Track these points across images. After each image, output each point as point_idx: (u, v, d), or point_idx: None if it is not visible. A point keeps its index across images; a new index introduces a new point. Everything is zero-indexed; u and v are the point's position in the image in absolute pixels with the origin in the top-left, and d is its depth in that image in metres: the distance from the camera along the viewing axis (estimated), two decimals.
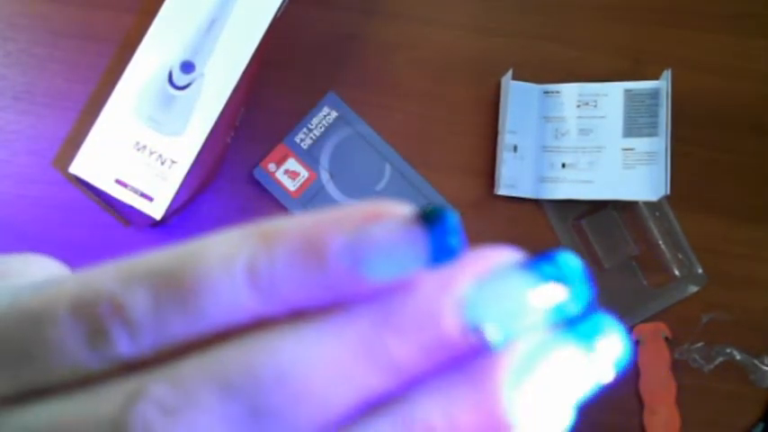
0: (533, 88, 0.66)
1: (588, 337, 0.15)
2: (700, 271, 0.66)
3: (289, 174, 0.63)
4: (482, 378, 0.14)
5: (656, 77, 0.65)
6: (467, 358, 0.14)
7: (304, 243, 0.14)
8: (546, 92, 0.66)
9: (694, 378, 0.65)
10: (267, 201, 0.63)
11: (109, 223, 0.61)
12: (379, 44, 0.66)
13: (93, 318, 0.14)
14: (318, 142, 0.64)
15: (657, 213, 0.66)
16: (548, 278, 0.15)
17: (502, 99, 0.66)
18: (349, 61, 0.66)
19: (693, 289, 0.66)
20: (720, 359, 0.66)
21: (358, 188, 0.64)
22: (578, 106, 0.66)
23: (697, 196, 0.67)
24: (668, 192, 0.62)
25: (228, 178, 0.63)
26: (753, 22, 0.69)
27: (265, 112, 0.64)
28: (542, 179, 0.65)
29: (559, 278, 0.15)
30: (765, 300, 0.67)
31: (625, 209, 0.66)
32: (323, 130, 0.64)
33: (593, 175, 0.65)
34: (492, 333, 0.14)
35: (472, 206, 0.65)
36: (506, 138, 0.64)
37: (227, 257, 0.15)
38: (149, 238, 0.62)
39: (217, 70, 0.55)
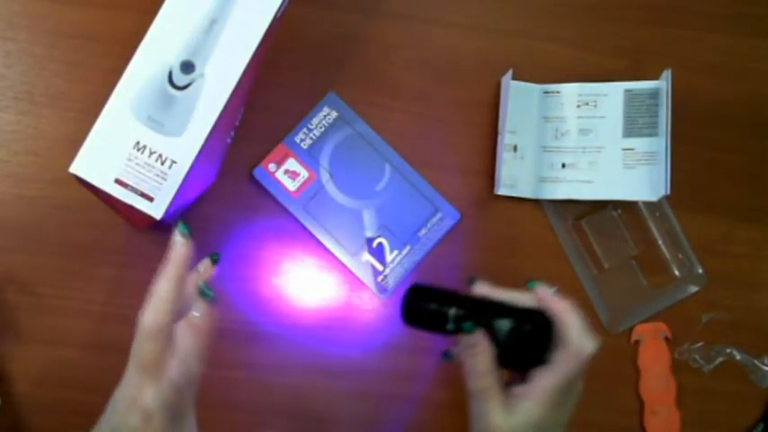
0: (533, 88, 0.66)
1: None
2: (700, 271, 0.66)
3: (289, 174, 0.63)
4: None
5: (656, 77, 0.65)
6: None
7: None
8: (546, 92, 0.66)
9: (694, 378, 0.66)
10: (267, 200, 0.63)
11: (109, 223, 0.61)
12: (379, 44, 0.66)
13: None
14: (318, 142, 0.64)
15: (657, 213, 0.66)
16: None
17: (502, 99, 0.66)
18: (349, 61, 0.66)
19: (693, 289, 0.66)
20: (720, 359, 0.66)
21: (358, 188, 0.64)
22: (578, 106, 0.66)
23: (697, 196, 0.67)
24: (668, 192, 0.62)
25: (228, 178, 0.63)
26: (753, 22, 0.69)
27: (265, 112, 0.64)
28: (542, 179, 0.65)
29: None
30: (765, 300, 0.67)
31: (625, 209, 0.66)
32: (323, 130, 0.64)
33: (593, 175, 0.65)
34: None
35: (472, 206, 0.65)
36: (506, 138, 0.64)
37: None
38: (149, 238, 0.62)
39: (217, 70, 0.55)
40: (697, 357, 0.66)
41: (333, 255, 0.63)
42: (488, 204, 0.65)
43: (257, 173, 0.63)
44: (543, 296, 0.49)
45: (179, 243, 0.48)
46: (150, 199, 0.54)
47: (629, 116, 0.65)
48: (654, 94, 0.64)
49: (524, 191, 0.65)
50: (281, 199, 0.63)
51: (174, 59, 0.55)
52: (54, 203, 0.61)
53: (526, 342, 0.49)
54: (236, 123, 0.62)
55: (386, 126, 0.65)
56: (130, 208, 0.54)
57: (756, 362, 0.66)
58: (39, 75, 0.62)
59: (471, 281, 0.53)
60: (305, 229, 0.63)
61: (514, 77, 0.65)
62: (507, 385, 0.51)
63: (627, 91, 0.65)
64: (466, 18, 0.67)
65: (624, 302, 0.65)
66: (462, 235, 0.65)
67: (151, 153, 0.54)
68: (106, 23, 0.63)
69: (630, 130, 0.65)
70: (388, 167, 0.65)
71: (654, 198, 0.63)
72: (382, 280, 0.64)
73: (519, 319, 0.50)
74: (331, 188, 0.64)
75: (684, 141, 0.66)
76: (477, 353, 0.50)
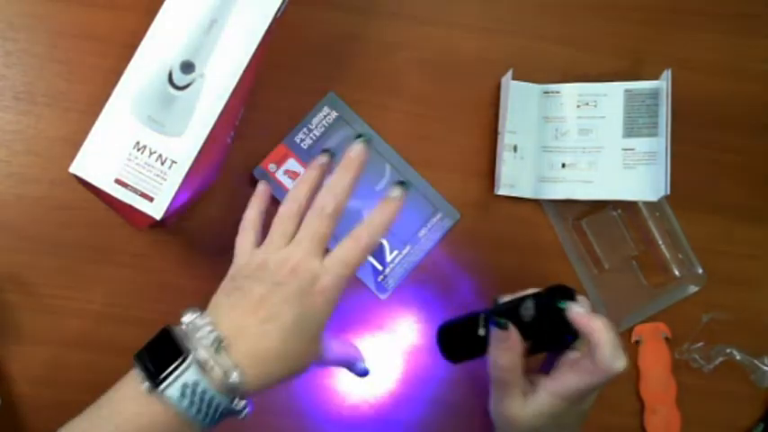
0: (533, 88, 0.66)
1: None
2: (700, 271, 0.66)
3: (289, 174, 0.63)
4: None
5: (656, 77, 0.65)
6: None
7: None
8: (546, 92, 0.66)
9: (694, 378, 0.66)
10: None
11: (109, 223, 0.61)
12: (379, 44, 0.66)
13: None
14: (319, 142, 0.64)
15: (657, 213, 0.66)
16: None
17: (502, 99, 0.66)
18: (349, 61, 0.66)
19: (693, 289, 0.66)
20: (720, 359, 0.66)
21: (358, 188, 0.64)
22: (578, 106, 0.66)
23: (697, 196, 0.67)
24: (668, 192, 0.62)
25: (228, 178, 0.63)
26: (753, 22, 0.69)
27: (265, 112, 0.64)
28: (542, 179, 0.65)
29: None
30: (765, 300, 0.67)
31: (625, 209, 0.66)
32: (323, 130, 0.64)
33: (593, 175, 0.65)
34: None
35: (472, 206, 0.65)
36: (506, 138, 0.64)
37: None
38: (149, 238, 0.62)
39: (217, 70, 0.55)
40: (697, 357, 0.66)
41: None
42: (488, 204, 0.65)
43: (257, 173, 0.63)
44: (576, 318, 0.50)
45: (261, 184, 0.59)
46: (150, 199, 0.54)
47: (629, 116, 0.65)
48: (654, 94, 0.64)
49: (524, 191, 0.65)
50: (281, 199, 0.63)
51: (174, 59, 0.55)
52: (54, 203, 0.61)
53: (551, 314, 0.51)
54: (236, 123, 0.62)
55: (386, 126, 0.65)
56: (130, 208, 0.54)
57: (756, 362, 0.66)
58: (39, 75, 0.62)
59: (495, 300, 0.56)
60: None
61: (514, 77, 0.65)
62: (528, 373, 0.53)
63: (627, 91, 0.65)
64: (466, 18, 0.67)
65: (624, 302, 0.65)
66: (462, 235, 0.65)
67: (151, 153, 0.54)
68: (106, 23, 0.63)
69: (630, 130, 0.65)
70: (388, 167, 0.65)
71: (654, 198, 0.63)
72: (382, 280, 0.64)
73: (540, 296, 0.52)
74: None
75: (684, 141, 0.66)
76: (508, 348, 0.51)
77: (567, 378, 0.50)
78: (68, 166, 0.53)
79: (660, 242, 0.66)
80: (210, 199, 0.63)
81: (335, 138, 0.64)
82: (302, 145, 0.64)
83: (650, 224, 0.66)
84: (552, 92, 0.66)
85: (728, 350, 0.66)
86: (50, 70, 0.62)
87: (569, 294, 0.51)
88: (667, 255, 0.66)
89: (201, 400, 0.44)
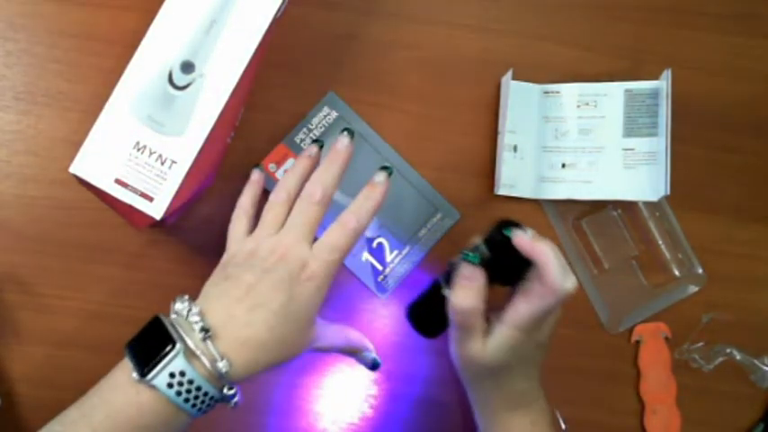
0: (533, 88, 0.66)
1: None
2: (700, 271, 0.66)
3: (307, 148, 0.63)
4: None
5: (656, 77, 0.65)
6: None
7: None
8: (546, 92, 0.66)
9: (694, 378, 0.66)
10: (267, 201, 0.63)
11: (109, 223, 0.61)
12: (379, 44, 0.66)
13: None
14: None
15: (657, 213, 0.66)
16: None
17: (502, 99, 0.66)
18: (349, 61, 0.66)
19: (693, 289, 0.66)
20: (720, 359, 0.66)
21: (358, 188, 0.64)
22: (578, 106, 0.66)
23: (697, 196, 0.67)
24: (668, 192, 0.62)
25: (228, 178, 0.63)
26: (753, 22, 0.69)
27: (265, 112, 0.64)
28: (542, 179, 0.65)
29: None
30: (765, 300, 0.67)
31: (625, 209, 0.66)
32: (323, 129, 0.64)
33: (593, 175, 0.65)
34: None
35: (472, 206, 0.65)
36: (506, 138, 0.64)
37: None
38: (149, 238, 0.62)
39: (217, 70, 0.55)
40: (697, 357, 0.66)
41: None
42: (488, 204, 0.65)
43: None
44: (521, 243, 0.51)
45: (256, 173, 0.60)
46: (150, 199, 0.54)
47: (629, 116, 0.65)
48: (654, 94, 0.64)
49: (524, 191, 0.65)
50: None
51: (174, 59, 0.55)
52: (54, 203, 0.61)
53: (502, 248, 0.52)
54: (236, 123, 0.62)
55: (386, 126, 0.65)
56: (130, 208, 0.54)
57: (756, 362, 0.66)
58: (39, 75, 0.62)
59: (449, 263, 0.56)
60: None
61: (514, 77, 0.65)
62: (486, 313, 0.53)
63: (627, 91, 0.65)
64: (466, 18, 0.67)
65: (624, 302, 0.65)
66: (462, 235, 0.65)
67: (151, 153, 0.54)
68: (106, 23, 0.63)
69: (630, 130, 0.65)
70: None
71: (654, 198, 0.63)
72: (382, 280, 0.64)
73: (487, 234, 0.53)
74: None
75: (684, 141, 0.66)
76: (472, 288, 0.52)
77: (520, 307, 0.51)
78: (68, 166, 0.53)
79: (660, 242, 0.66)
80: (210, 199, 0.63)
81: (335, 137, 0.64)
82: (302, 145, 0.64)
83: (650, 224, 0.66)
84: (552, 92, 0.66)
85: (728, 350, 0.66)
86: (50, 70, 0.63)
87: (514, 224, 0.52)
88: (667, 255, 0.66)
89: (189, 389, 0.45)
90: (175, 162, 0.54)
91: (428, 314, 0.57)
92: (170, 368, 0.44)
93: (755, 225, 0.67)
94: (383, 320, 0.64)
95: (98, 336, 0.61)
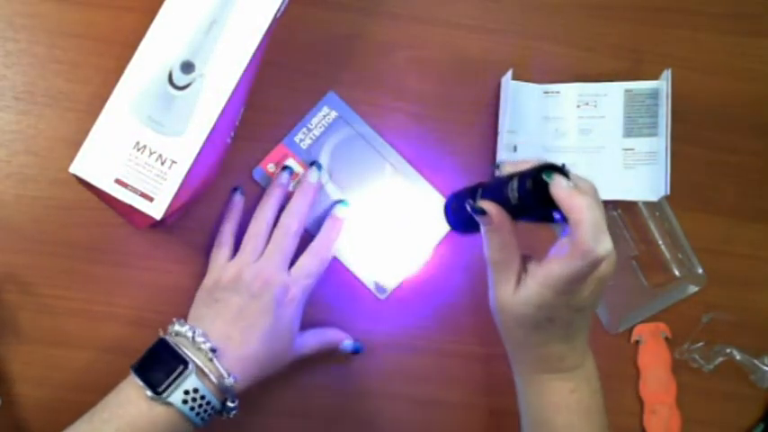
0: (533, 88, 0.66)
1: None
2: (700, 271, 0.66)
3: (276, 173, 0.63)
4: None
5: (656, 77, 0.65)
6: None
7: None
8: (546, 92, 0.66)
9: (694, 378, 0.66)
10: (260, 200, 0.63)
11: (109, 223, 0.61)
12: (380, 44, 0.66)
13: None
14: (318, 142, 0.64)
15: (657, 213, 0.66)
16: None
17: (502, 99, 0.66)
18: (349, 61, 0.66)
19: (693, 289, 0.66)
20: (720, 359, 0.66)
21: (356, 186, 0.64)
22: (578, 106, 0.66)
23: (697, 196, 0.67)
24: (668, 192, 0.62)
25: (228, 178, 0.63)
26: (753, 22, 0.69)
27: (265, 112, 0.64)
28: None
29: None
30: (765, 300, 0.67)
31: (625, 209, 0.66)
32: (322, 130, 0.64)
33: (593, 175, 0.65)
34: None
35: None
36: (506, 138, 0.64)
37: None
38: (149, 238, 0.62)
39: (217, 70, 0.55)
40: (697, 357, 0.66)
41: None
42: None
43: (256, 173, 0.63)
44: (557, 193, 0.46)
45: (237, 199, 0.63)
46: (150, 199, 0.54)
47: (629, 116, 0.65)
48: (654, 94, 0.64)
49: None
50: None
51: (174, 59, 0.55)
52: (54, 203, 0.61)
53: (537, 191, 0.46)
54: (236, 123, 0.62)
55: (386, 126, 0.65)
56: (130, 208, 0.54)
57: (756, 362, 0.66)
58: (39, 75, 0.62)
59: (496, 166, 0.52)
60: (304, 229, 0.63)
61: (514, 77, 0.65)
62: (526, 259, 0.50)
63: (627, 91, 0.65)
64: (466, 18, 0.67)
65: (624, 302, 0.65)
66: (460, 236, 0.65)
67: (151, 153, 0.54)
68: (106, 23, 0.63)
69: (630, 130, 0.65)
70: (387, 167, 0.65)
71: (654, 198, 0.63)
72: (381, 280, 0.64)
73: (527, 173, 0.48)
74: (330, 188, 0.64)
75: (684, 141, 0.66)
76: (494, 230, 0.49)
77: (551, 265, 0.47)
78: (68, 166, 0.53)
79: (660, 242, 0.66)
80: (210, 199, 0.63)
81: (335, 138, 0.64)
82: (301, 145, 0.64)
83: (650, 224, 0.66)
84: (552, 92, 0.66)
85: (728, 350, 0.66)
86: (50, 70, 0.62)
87: (558, 169, 0.47)
88: (667, 255, 0.66)
89: (201, 403, 0.50)
90: (175, 162, 0.54)
91: (458, 214, 0.54)
92: (184, 386, 0.50)
93: (755, 225, 0.67)
94: (382, 320, 0.64)
95: (98, 336, 0.61)
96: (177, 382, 0.50)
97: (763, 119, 0.68)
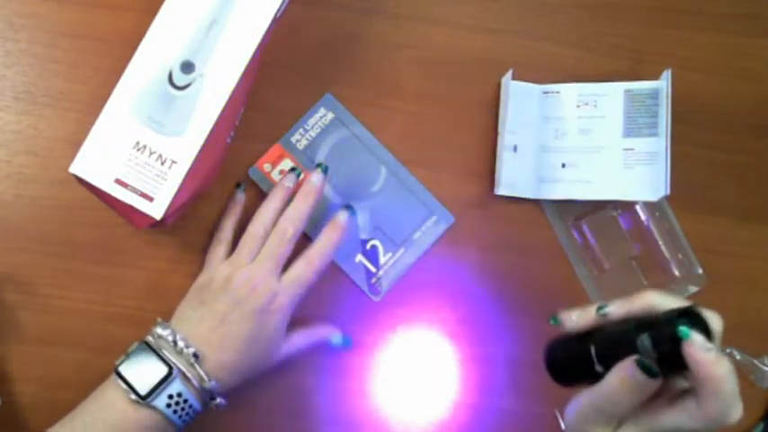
0: (533, 88, 0.66)
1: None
2: (700, 271, 0.66)
3: (284, 174, 0.63)
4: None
5: (656, 77, 0.65)
6: None
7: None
8: (546, 92, 0.66)
9: None
10: (263, 200, 0.63)
11: (109, 223, 0.61)
12: (379, 44, 0.66)
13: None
14: (314, 143, 0.64)
15: (657, 213, 0.66)
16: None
17: (502, 99, 0.66)
18: (349, 61, 0.66)
19: (693, 289, 0.66)
20: None
21: (353, 189, 0.64)
22: (578, 106, 0.66)
23: (697, 196, 0.67)
24: (668, 192, 0.62)
25: (228, 178, 0.63)
26: (753, 22, 0.69)
27: (264, 112, 0.64)
28: (542, 179, 0.65)
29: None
30: (765, 300, 0.67)
31: (625, 209, 0.66)
32: (319, 131, 0.64)
33: (593, 175, 0.65)
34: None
35: (472, 206, 0.65)
36: (506, 138, 0.64)
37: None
38: (149, 238, 0.62)
39: (217, 70, 0.55)
40: None
41: None
42: (488, 205, 0.65)
43: (252, 173, 0.63)
44: (694, 356, 0.40)
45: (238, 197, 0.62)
46: (150, 199, 0.54)
47: (629, 116, 0.65)
48: (654, 94, 0.64)
49: (524, 191, 0.65)
50: None
51: (174, 59, 0.55)
52: (54, 203, 0.61)
53: (670, 346, 0.41)
54: (236, 123, 0.62)
55: (385, 126, 0.65)
56: (130, 208, 0.54)
57: (756, 362, 0.66)
58: (39, 75, 0.62)
59: (555, 319, 0.48)
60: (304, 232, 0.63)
61: (514, 77, 0.65)
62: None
63: (627, 91, 0.65)
64: (466, 18, 0.67)
65: None
66: (462, 235, 0.65)
67: (151, 153, 0.54)
68: (106, 23, 0.63)
69: (630, 130, 0.65)
70: (383, 170, 0.65)
71: (654, 198, 0.63)
72: (375, 282, 0.64)
73: (659, 325, 0.42)
74: (326, 189, 0.64)
75: (684, 141, 0.66)
76: (639, 392, 0.42)
77: (667, 416, 0.42)
78: (68, 166, 0.53)
79: (660, 242, 0.66)
80: (210, 199, 0.63)
81: (331, 139, 0.64)
82: (298, 145, 0.64)
83: (650, 224, 0.66)
84: (552, 92, 0.66)
85: (728, 350, 0.66)
86: (50, 70, 0.63)
87: (695, 316, 0.42)
88: (667, 255, 0.66)
89: (183, 407, 0.52)
90: (175, 162, 0.54)
91: (569, 368, 0.48)
92: (168, 390, 0.51)
93: (755, 225, 0.67)
94: (376, 323, 0.64)
95: (98, 336, 0.61)
96: (162, 387, 0.51)
97: (763, 119, 0.68)
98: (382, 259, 0.64)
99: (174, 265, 0.62)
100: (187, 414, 0.52)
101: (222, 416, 0.61)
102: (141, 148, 0.54)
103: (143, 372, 0.51)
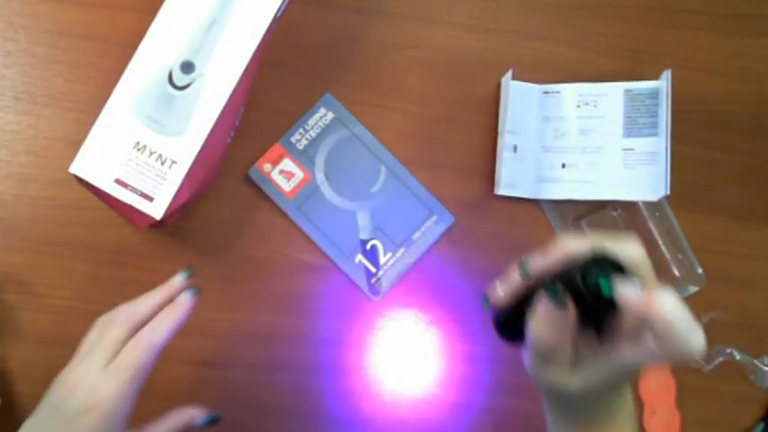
0: (533, 88, 0.66)
1: None
2: (700, 271, 0.66)
3: (284, 174, 0.63)
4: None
5: (656, 77, 0.65)
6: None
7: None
8: (546, 92, 0.66)
9: (694, 378, 0.65)
10: (263, 201, 0.63)
11: (109, 223, 0.61)
12: (379, 44, 0.66)
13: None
14: (314, 143, 0.64)
15: (657, 213, 0.66)
16: None
17: (502, 99, 0.66)
18: (349, 61, 0.66)
19: (693, 289, 0.66)
20: (720, 359, 0.66)
21: (353, 189, 0.64)
22: (578, 106, 0.66)
23: (697, 196, 0.67)
24: (668, 192, 0.62)
25: (228, 178, 0.63)
26: (753, 22, 0.69)
27: (264, 112, 0.64)
28: (542, 179, 0.65)
29: None
30: (765, 300, 0.67)
31: (625, 209, 0.66)
32: (319, 131, 0.64)
33: (593, 175, 0.65)
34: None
35: (472, 206, 0.65)
36: (506, 138, 0.64)
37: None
38: (149, 238, 0.62)
39: (217, 70, 0.55)
40: (697, 357, 0.66)
41: (327, 256, 0.63)
42: (488, 205, 0.65)
43: (252, 173, 0.63)
44: (629, 303, 0.39)
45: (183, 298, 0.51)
46: (150, 199, 0.54)
47: (629, 116, 0.65)
48: (654, 94, 0.64)
49: (524, 191, 0.65)
50: (276, 199, 0.63)
51: (174, 59, 0.55)
52: (54, 203, 0.61)
53: (589, 301, 0.41)
54: (236, 123, 0.62)
55: (385, 126, 0.65)
56: (130, 208, 0.54)
57: (756, 362, 0.66)
58: (39, 75, 0.62)
59: (485, 299, 0.48)
60: (299, 229, 0.63)
61: (514, 77, 0.65)
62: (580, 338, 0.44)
63: (627, 91, 0.65)
64: (466, 18, 0.67)
65: None
66: (462, 235, 0.65)
67: (151, 153, 0.54)
68: (106, 23, 0.63)
69: (630, 130, 0.65)
70: (383, 169, 0.65)
71: (654, 198, 0.63)
72: (375, 282, 0.64)
73: (576, 279, 0.41)
74: (326, 189, 0.64)
75: (684, 141, 0.66)
76: (555, 323, 0.42)
77: (627, 353, 0.41)
78: (68, 166, 0.53)
79: (660, 242, 0.66)
80: (210, 199, 0.63)
81: (331, 139, 0.64)
82: (298, 145, 0.64)
83: (650, 224, 0.66)
84: (552, 92, 0.66)
85: (728, 350, 0.66)
86: (50, 70, 0.63)
87: (610, 264, 0.41)
88: (667, 255, 0.66)
89: None
90: (175, 162, 0.54)
91: (508, 320, 0.48)
92: None
93: (755, 225, 0.67)
94: (376, 323, 0.64)
95: None
96: None
97: (763, 119, 0.68)
98: (382, 259, 0.64)
99: (173, 266, 0.62)
100: None
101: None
102: (141, 148, 0.54)
103: None
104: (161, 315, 0.50)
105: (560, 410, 0.49)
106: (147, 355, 0.48)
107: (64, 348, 0.61)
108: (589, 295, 0.40)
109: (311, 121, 0.64)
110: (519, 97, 0.65)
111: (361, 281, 0.63)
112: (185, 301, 0.51)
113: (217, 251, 0.62)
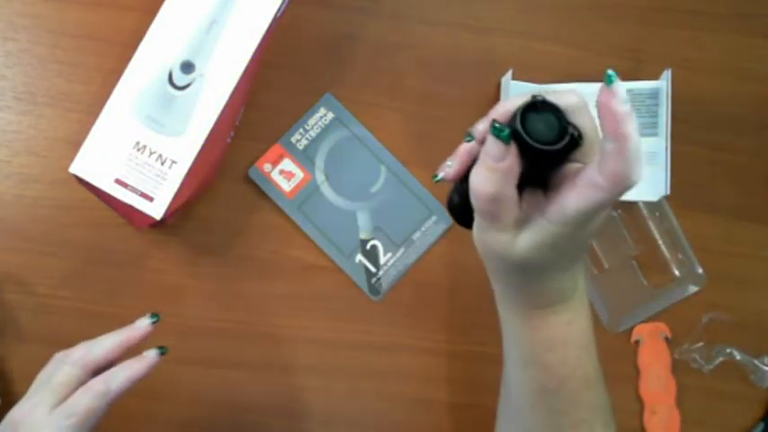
0: (533, 88, 0.66)
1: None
2: (700, 271, 0.66)
3: (284, 174, 0.63)
4: None
5: (656, 77, 0.65)
6: None
7: None
8: (546, 92, 0.66)
9: (694, 378, 0.65)
10: (263, 201, 0.63)
11: (109, 223, 0.61)
12: (379, 44, 0.66)
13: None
14: (314, 143, 0.64)
15: (657, 213, 0.66)
16: None
17: (502, 99, 0.66)
18: (349, 61, 0.66)
19: (693, 289, 0.66)
20: (720, 359, 0.66)
21: (353, 189, 0.64)
22: None
23: (697, 196, 0.67)
24: (668, 192, 0.62)
25: (228, 178, 0.63)
26: (753, 22, 0.69)
27: (264, 112, 0.64)
28: None
29: None
30: (765, 300, 0.67)
31: (625, 209, 0.66)
32: (319, 131, 0.64)
33: None
34: None
35: None
36: None
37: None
38: (149, 238, 0.62)
39: (217, 70, 0.55)
40: (697, 357, 0.66)
41: (327, 256, 0.63)
42: None
43: (252, 173, 0.63)
44: (613, 109, 0.39)
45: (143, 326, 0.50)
46: (150, 199, 0.54)
47: None
48: (654, 94, 0.64)
49: None
50: (276, 199, 0.63)
51: (174, 59, 0.55)
52: (54, 203, 0.61)
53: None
54: (236, 123, 0.62)
55: (385, 127, 0.65)
56: (130, 208, 0.54)
57: (756, 362, 0.66)
58: (40, 75, 0.62)
59: (436, 177, 0.44)
60: (299, 229, 0.63)
61: (514, 77, 0.65)
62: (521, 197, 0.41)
63: (627, 91, 0.65)
64: (466, 18, 0.67)
65: (624, 302, 0.65)
66: (461, 236, 0.65)
67: (151, 153, 0.54)
68: (107, 23, 0.63)
69: None
70: (383, 169, 0.65)
71: (654, 198, 0.63)
72: (375, 282, 0.64)
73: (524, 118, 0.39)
74: (326, 189, 0.64)
75: (684, 141, 0.66)
76: (497, 168, 0.39)
77: (571, 199, 0.39)
78: (68, 166, 0.53)
79: (660, 242, 0.66)
80: (210, 199, 0.63)
81: (331, 139, 0.64)
82: (298, 145, 0.64)
83: (650, 224, 0.66)
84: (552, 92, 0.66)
85: (728, 350, 0.66)
86: (51, 70, 0.63)
87: (543, 103, 0.41)
88: (667, 255, 0.66)
89: None
90: (175, 162, 0.54)
91: (462, 201, 0.44)
92: None
93: (755, 225, 0.67)
94: (376, 323, 0.64)
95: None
96: None
97: (763, 119, 0.68)
98: (382, 259, 0.64)
99: (174, 266, 0.62)
100: None
101: (221, 416, 0.61)
102: (141, 148, 0.54)
103: None
104: (124, 364, 0.48)
105: (507, 284, 0.46)
106: (97, 403, 0.46)
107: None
108: (528, 136, 0.38)
109: (311, 121, 0.64)
110: None
111: (361, 281, 0.63)
112: (150, 358, 0.49)
113: (217, 251, 0.62)
